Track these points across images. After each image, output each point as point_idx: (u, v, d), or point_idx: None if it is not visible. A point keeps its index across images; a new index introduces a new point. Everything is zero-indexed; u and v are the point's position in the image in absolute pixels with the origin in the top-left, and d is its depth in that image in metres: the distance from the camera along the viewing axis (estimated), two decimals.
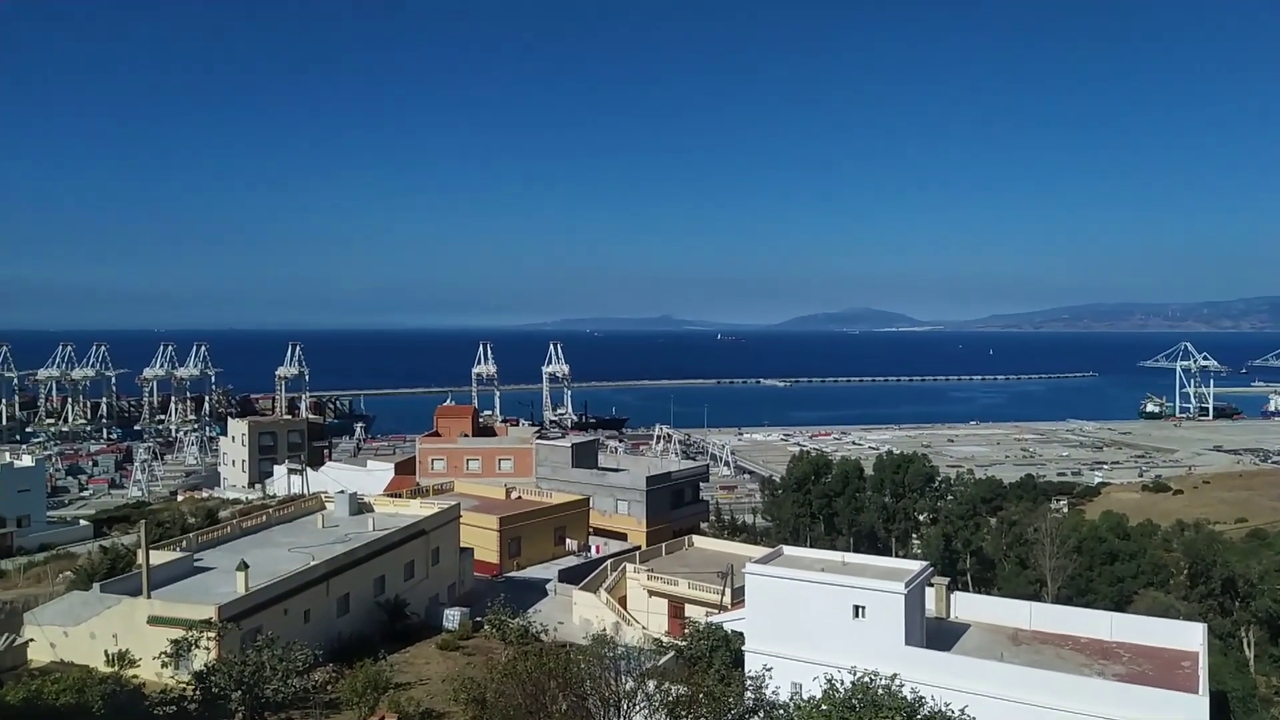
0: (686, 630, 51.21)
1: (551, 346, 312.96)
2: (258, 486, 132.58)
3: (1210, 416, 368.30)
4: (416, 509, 64.14)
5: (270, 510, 65.52)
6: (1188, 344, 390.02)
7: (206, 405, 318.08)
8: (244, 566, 44.81)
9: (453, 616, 54.63)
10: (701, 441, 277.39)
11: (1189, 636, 42.25)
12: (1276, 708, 63.82)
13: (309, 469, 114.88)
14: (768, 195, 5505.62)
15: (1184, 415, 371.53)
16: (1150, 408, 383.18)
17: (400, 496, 72.07)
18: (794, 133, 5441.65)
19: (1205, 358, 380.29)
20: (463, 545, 67.08)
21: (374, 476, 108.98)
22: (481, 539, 71.92)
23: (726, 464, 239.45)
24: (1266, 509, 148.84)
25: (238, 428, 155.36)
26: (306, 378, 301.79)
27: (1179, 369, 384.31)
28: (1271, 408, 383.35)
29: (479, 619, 54.85)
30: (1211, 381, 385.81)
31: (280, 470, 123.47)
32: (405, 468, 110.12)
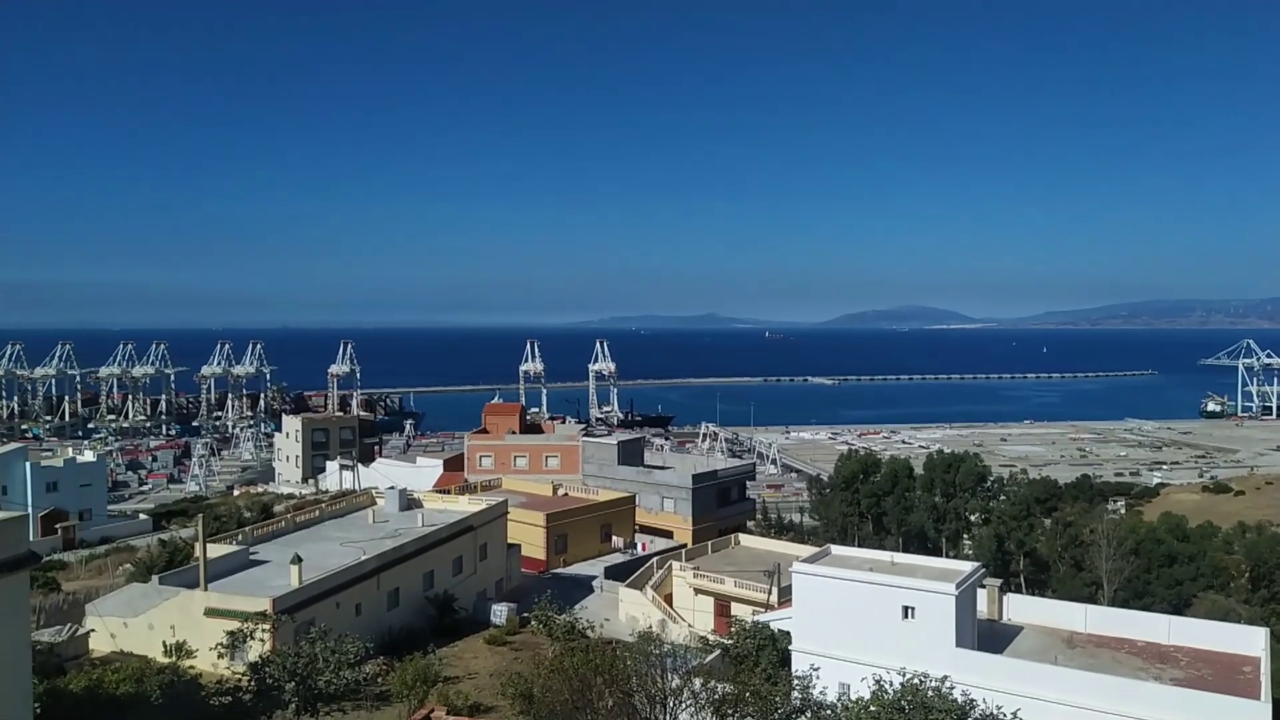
0: (733, 629, 51.03)
1: (598, 344, 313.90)
2: (311, 482, 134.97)
3: (1274, 415, 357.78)
4: (465, 505, 64.78)
5: (323, 505, 66.60)
6: (1251, 341, 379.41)
7: (262, 402, 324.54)
8: (297, 560, 45.59)
9: (500, 612, 55.05)
10: (748, 440, 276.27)
11: (1250, 641, 41.05)
12: None
13: (360, 465, 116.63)
14: (816, 193, 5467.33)
15: (1246, 414, 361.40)
16: (1211, 407, 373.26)
17: (449, 493, 72.84)
18: (843, 130, 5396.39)
19: (1269, 355, 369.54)
20: (510, 541, 67.58)
21: (423, 473, 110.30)
22: (529, 535, 72.40)
23: (773, 462, 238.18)
24: None
25: (292, 424, 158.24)
26: (358, 375, 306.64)
27: (1241, 367, 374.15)
28: None
29: (526, 615, 55.20)
30: (1275, 380, 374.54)
31: (332, 466, 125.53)
32: (454, 464, 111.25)
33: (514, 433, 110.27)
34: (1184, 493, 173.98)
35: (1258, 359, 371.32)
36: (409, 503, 65.27)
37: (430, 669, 39.30)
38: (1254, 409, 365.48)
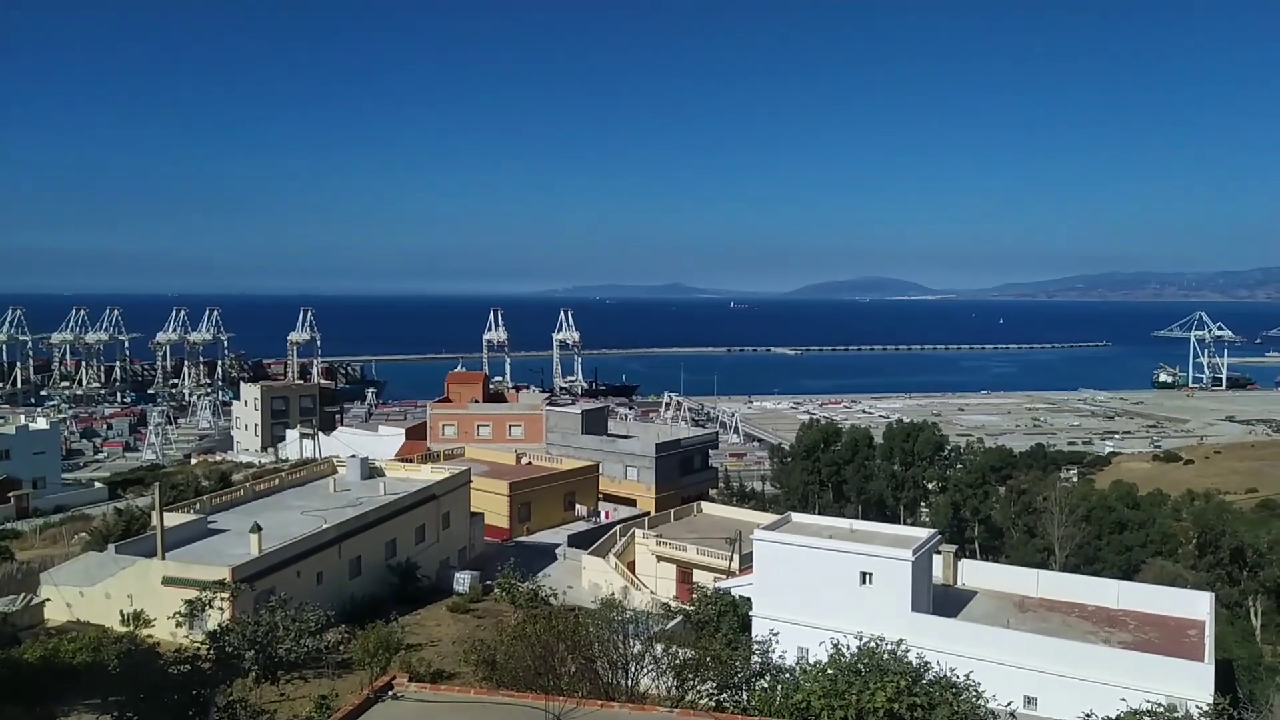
0: (694, 595, 51.57)
1: (562, 313, 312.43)
2: (270, 450, 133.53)
3: (1223, 387, 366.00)
4: (427, 474, 64.57)
5: (283, 474, 66.05)
6: (1203, 314, 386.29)
7: (219, 370, 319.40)
8: (257, 529, 45.24)
9: (463, 580, 55.15)
10: (712, 409, 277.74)
11: (1196, 605, 42.34)
12: None
13: (321, 434, 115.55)
14: (780, 163, 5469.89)
15: (1197, 385, 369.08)
16: (1163, 378, 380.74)
17: (411, 461, 72.47)
18: (805, 101, 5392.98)
19: (1220, 328, 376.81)
20: (473, 510, 67.56)
21: (385, 441, 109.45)
22: (492, 504, 72.40)
23: (736, 431, 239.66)
24: (1277, 479, 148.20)
25: (250, 392, 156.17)
26: (319, 343, 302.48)
27: (1193, 339, 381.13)
28: None
29: (489, 583, 55.35)
30: (1226, 352, 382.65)
31: (292, 434, 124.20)
32: (416, 433, 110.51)
33: (477, 401, 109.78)
34: (1135, 461, 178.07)
35: (1209, 331, 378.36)
36: (371, 471, 64.89)
37: (392, 637, 39.31)
38: (1204, 380, 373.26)
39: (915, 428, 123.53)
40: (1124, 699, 32.55)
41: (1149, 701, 31.01)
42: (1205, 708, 31.31)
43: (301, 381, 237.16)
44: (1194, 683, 33.68)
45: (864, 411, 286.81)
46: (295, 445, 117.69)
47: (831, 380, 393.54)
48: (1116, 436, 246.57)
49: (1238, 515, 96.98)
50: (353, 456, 67.61)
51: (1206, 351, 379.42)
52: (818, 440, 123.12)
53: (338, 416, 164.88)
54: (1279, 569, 74.97)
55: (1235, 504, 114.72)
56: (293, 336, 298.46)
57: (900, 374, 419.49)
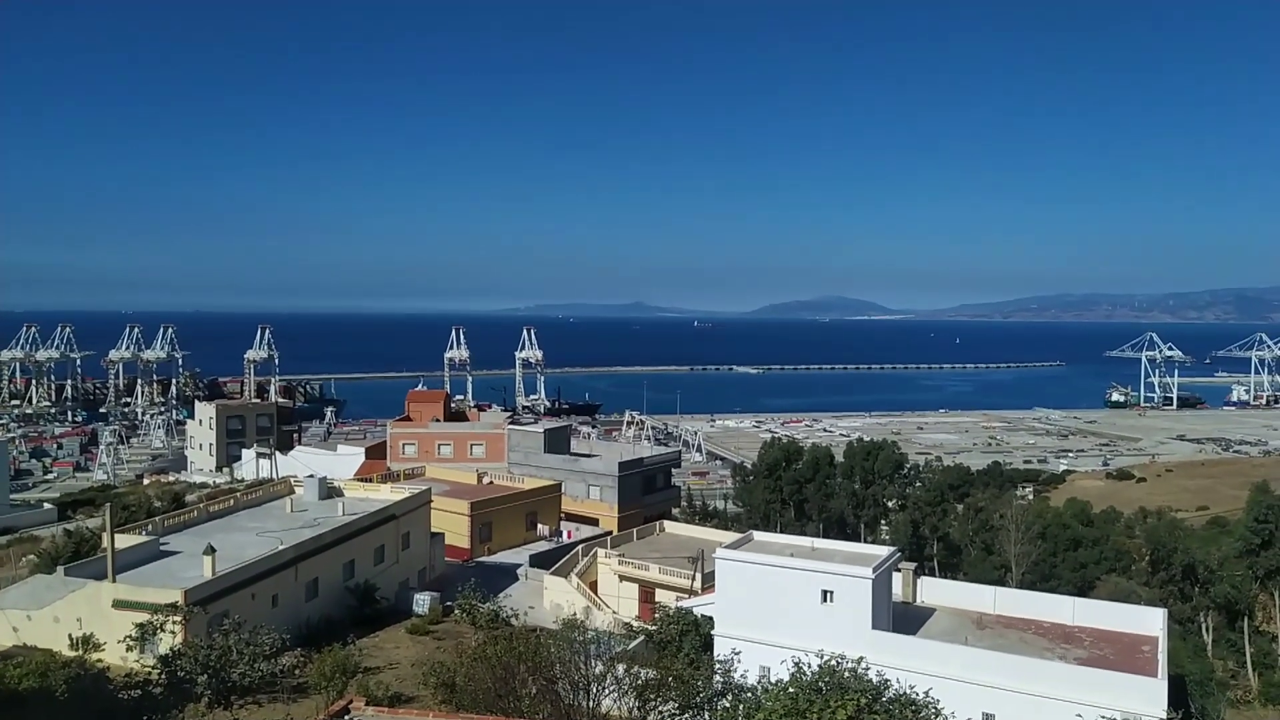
0: (657, 615, 51.39)
1: (525, 332, 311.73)
2: (225, 470, 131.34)
3: (1174, 406, 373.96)
4: (387, 494, 63.89)
5: (238, 494, 64.98)
6: (1153, 334, 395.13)
7: (173, 388, 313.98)
8: (211, 551, 44.45)
9: (423, 601, 54.53)
10: (674, 428, 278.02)
11: (1149, 621, 43.01)
12: (1233, 691, 65.25)
13: (278, 453, 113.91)
14: (741, 184, 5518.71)
15: (1148, 405, 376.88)
16: (1115, 397, 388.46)
17: (371, 481, 71.71)
18: (768, 124, 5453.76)
19: (1170, 348, 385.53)
20: (434, 530, 66.89)
21: (344, 461, 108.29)
22: (453, 524, 71.74)
23: (698, 450, 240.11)
24: (1227, 497, 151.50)
25: (205, 411, 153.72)
26: (276, 361, 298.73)
27: (1144, 359, 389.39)
28: (1234, 398, 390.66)
29: (449, 604, 54.78)
30: (1176, 371, 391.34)
31: (248, 454, 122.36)
32: (376, 452, 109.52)
33: (438, 420, 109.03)
34: (1089, 479, 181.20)
35: (1159, 351, 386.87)
36: (329, 491, 64.04)
37: (349, 660, 38.73)
38: (1155, 399, 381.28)
39: (875, 446, 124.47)
40: (1079, 714, 33.02)
41: (1104, 717, 31.46)
42: None
43: (258, 400, 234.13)
44: (1147, 698, 34.17)
45: (825, 430, 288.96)
46: (251, 465, 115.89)
47: (793, 399, 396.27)
48: (1071, 455, 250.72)
49: (1189, 532, 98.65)
50: (310, 476, 66.78)
51: (1157, 371, 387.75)
52: (779, 459, 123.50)
53: (295, 436, 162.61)
54: (1229, 585, 76.53)
55: (1186, 521, 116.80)
56: (250, 354, 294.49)
57: (860, 393, 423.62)
